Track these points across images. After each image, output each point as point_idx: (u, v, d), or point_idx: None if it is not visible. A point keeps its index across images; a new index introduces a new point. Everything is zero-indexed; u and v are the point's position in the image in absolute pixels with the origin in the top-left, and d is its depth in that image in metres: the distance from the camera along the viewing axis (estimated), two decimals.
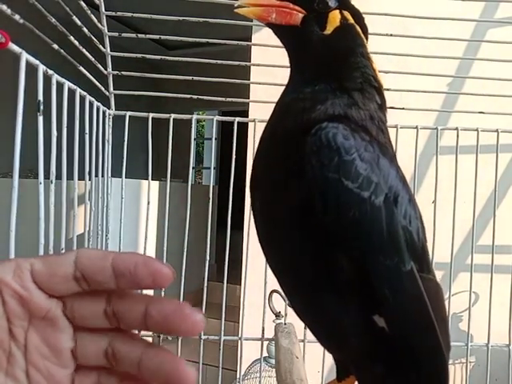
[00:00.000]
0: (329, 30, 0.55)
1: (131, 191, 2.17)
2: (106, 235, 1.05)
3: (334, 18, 0.55)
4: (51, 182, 0.64)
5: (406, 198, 0.50)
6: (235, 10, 0.55)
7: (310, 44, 0.56)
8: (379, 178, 0.48)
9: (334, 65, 0.55)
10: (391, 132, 1.12)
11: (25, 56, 0.57)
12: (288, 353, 0.71)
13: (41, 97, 0.60)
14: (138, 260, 0.27)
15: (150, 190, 1.09)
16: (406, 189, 0.51)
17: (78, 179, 0.81)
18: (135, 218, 2.45)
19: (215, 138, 1.27)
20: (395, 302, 0.47)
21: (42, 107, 0.58)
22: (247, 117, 1.31)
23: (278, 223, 0.52)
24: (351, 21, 0.56)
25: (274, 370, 1.21)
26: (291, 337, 0.78)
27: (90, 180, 0.92)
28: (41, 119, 0.59)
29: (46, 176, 0.62)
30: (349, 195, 0.46)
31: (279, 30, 0.57)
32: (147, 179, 1.10)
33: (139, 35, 0.99)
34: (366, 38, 0.59)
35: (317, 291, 0.51)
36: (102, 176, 1.02)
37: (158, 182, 2.34)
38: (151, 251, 1.19)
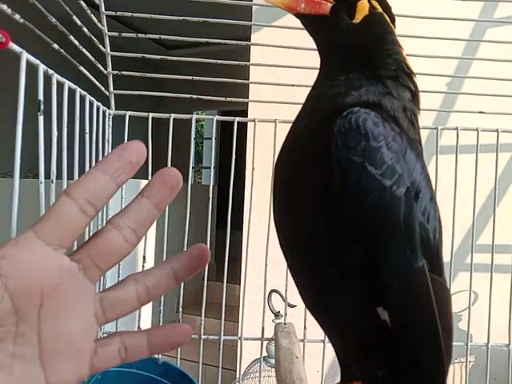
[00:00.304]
0: (358, 19, 0.55)
1: (131, 191, 2.17)
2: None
3: (363, 7, 0.55)
4: (52, 182, 0.64)
5: (428, 195, 0.50)
6: (265, 1, 0.55)
7: (340, 33, 0.56)
8: (403, 169, 0.47)
9: (365, 53, 0.55)
10: None
11: (25, 56, 0.56)
12: (288, 352, 0.71)
13: (41, 96, 0.59)
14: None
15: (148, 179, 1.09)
16: (429, 187, 0.51)
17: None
18: None
19: (215, 138, 1.27)
20: (401, 294, 0.47)
21: (42, 107, 0.58)
22: (247, 117, 1.32)
23: (298, 206, 0.52)
24: (379, 9, 0.56)
25: (273, 369, 1.21)
26: (291, 336, 0.78)
27: None
28: (41, 119, 0.59)
29: (47, 176, 0.62)
30: (370, 180, 0.46)
31: (308, 20, 0.57)
32: (147, 179, 1.10)
33: (139, 35, 0.99)
34: (394, 25, 0.59)
35: (326, 277, 0.50)
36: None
37: None
38: (151, 251, 1.18)
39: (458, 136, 1.12)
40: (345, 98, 0.51)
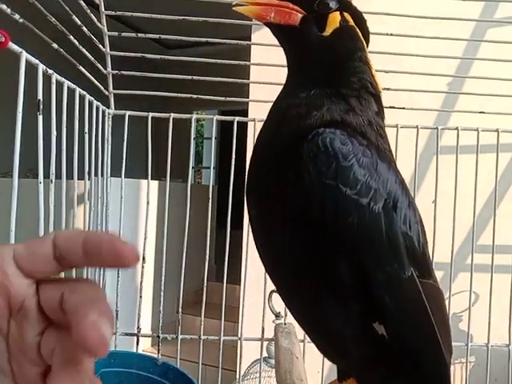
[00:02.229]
0: (328, 32, 0.54)
1: (130, 191, 2.17)
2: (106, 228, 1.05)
3: (334, 20, 0.54)
4: (51, 182, 0.64)
5: (406, 202, 0.49)
6: (233, 8, 0.54)
7: (307, 45, 0.55)
8: (378, 183, 0.47)
9: (331, 68, 0.54)
10: (391, 131, 1.12)
11: (25, 55, 0.56)
12: (288, 353, 0.71)
13: (40, 96, 0.59)
14: (104, 237, 0.27)
15: (149, 190, 1.09)
16: (406, 193, 0.50)
17: (78, 179, 0.81)
18: (135, 218, 2.44)
19: (215, 138, 1.27)
20: (395, 308, 0.47)
21: (41, 106, 0.58)
22: (247, 116, 1.31)
23: (276, 231, 0.51)
24: (351, 23, 0.55)
25: (273, 370, 1.21)
26: (291, 337, 0.78)
27: (89, 180, 0.92)
28: (40, 118, 0.59)
29: (46, 175, 0.62)
30: (347, 202, 0.46)
31: (278, 29, 0.56)
32: (147, 179, 1.10)
33: (139, 34, 0.99)
34: (367, 41, 0.58)
35: (316, 299, 0.50)
36: (102, 176, 1.01)
37: (157, 182, 2.33)
38: (151, 251, 1.18)
39: (458, 136, 1.12)
40: (307, 120, 0.50)
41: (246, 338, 1.12)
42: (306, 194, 0.47)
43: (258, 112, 1.39)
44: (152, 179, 1.11)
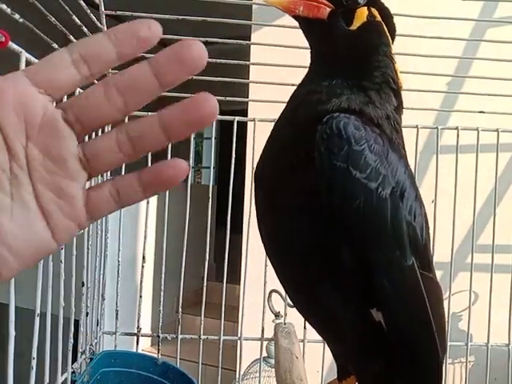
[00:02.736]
0: (355, 26, 0.55)
1: None
2: (106, 234, 1.05)
3: (362, 14, 0.55)
4: None
5: (413, 194, 0.50)
6: (263, 1, 0.55)
7: (334, 38, 0.55)
8: (387, 170, 0.48)
9: (355, 61, 0.55)
10: None
11: (24, 55, 0.56)
12: (288, 353, 0.71)
13: None
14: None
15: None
16: (414, 186, 0.51)
17: None
18: (135, 216, 2.44)
19: (214, 138, 1.27)
20: (393, 295, 0.47)
21: None
22: (246, 116, 1.31)
23: (282, 211, 0.52)
24: (378, 18, 0.56)
25: (273, 370, 1.21)
26: (291, 337, 0.78)
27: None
28: None
29: None
30: (356, 185, 0.46)
31: (305, 22, 0.57)
32: None
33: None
34: (393, 37, 0.59)
35: (317, 281, 0.51)
36: (101, 176, 1.01)
37: None
38: (151, 250, 1.19)
39: (458, 136, 1.12)
40: (325, 106, 0.51)
41: (246, 337, 1.12)
42: (315, 174, 0.47)
43: (258, 112, 1.39)
44: None
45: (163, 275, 1.06)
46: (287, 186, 0.51)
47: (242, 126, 1.28)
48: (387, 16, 0.58)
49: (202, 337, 1.10)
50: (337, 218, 0.47)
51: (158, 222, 2.32)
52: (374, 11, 0.56)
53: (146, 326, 2.59)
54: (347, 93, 0.52)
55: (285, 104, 0.57)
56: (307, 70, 0.59)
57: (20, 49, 0.55)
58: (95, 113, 0.27)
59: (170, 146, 1.08)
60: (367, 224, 0.47)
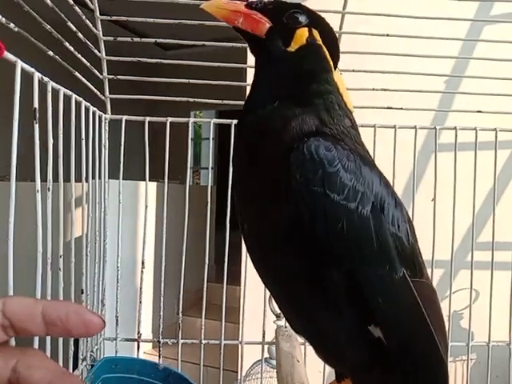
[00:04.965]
0: (293, 48, 0.52)
1: (129, 193, 2.17)
2: (104, 240, 1.05)
3: (301, 36, 0.52)
4: (48, 190, 0.64)
5: (392, 203, 0.49)
6: (201, 7, 0.53)
7: (271, 58, 0.53)
8: (364, 186, 0.47)
9: (296, 84, 0.52)
10: (390, 132, 1.12)
11: (20, 64, 0.56)
12: (289, 356, 0.71)
13: (36, 104, 0.59)
14: (70, 309, 0.27)
15: (147, 195, 1.09)
16: (392, 194, 0.50)
17: (75, 182, 0.81)
18: (133, 220, 2.44)
19: (213, 138, 1.26)
20: (389, 310, 0.47)
21: (37, 115, 0.58)
22: None
23: (269, 242, 0.51)
24: (319, 41, 0.53)
25: (275, 370, 1.21)
26: (292, 340, 0.78)
27: (87, 182, 0.92)
28: (37, 127, 0.59)
29: (43, 180, 0.62)
30: (336, 208, 0.46)
31: (245, 36, 0.54)
32: (144, 180, 1.10)
33: (134, 39, 0.98)
34: (337, 60, 0.56)
35: (311, 305, 0.50)
36: (100, 179, 1.01)
37: (155, 184, 2.32)
38: (150, 252, 1.18)
39: (456, 136, 1.12)
40: (288, 133, 0.49)
41: (247, 341, 1.12)
42: (295, 202, 0.46)
43: None
44: (150, 180, 1.10)
45: (163, 278, 1.06)
46: (269, 218, 0.50)
47: None
48: (330, 38, 0.55)
49: (203, 341, 1.09)
50: (322, 242, 0.46)
51: (156, 224, 2.32)
52: (315, 33, 0.53)
53: (146, 328, 2.59)
54: (301, 116, 0.50)
55: None
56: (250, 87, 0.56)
57: (15, 58, 0.55)
58: None
59: (167, 147, 1.08)
60: (353, 244, 0.46)
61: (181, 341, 1.07)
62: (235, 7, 0.52)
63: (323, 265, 0.47)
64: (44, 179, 0.63)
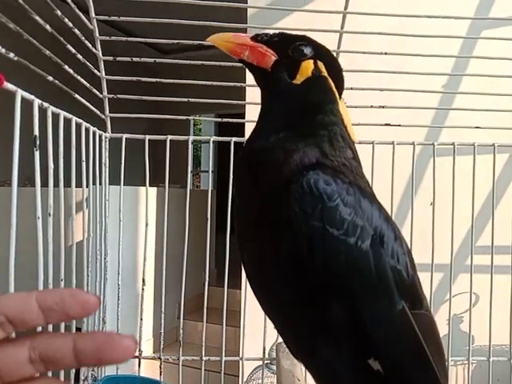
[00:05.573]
0: (298, 80, 0.52)
1: (129, 198, 2.16)
2: (105, 258, 1.05)
3: (307, 68, 0.53)
4: (49, 215, 0.64)
5: (392, 236, 0.49)
6: (208, 39, 0.53)
7: (277, 91, 0.53)
8: (363, 220, 0.47)
9: (301, 117, 0.52)
10: (388, 148, 1.12)
11: (20, 93, 0.56)
12: (289, 375, 0.70)
13: (37, 132, 0.59)
14: (64, 292, 0.27)
15: (147, 197, 1.09)
16: (391, 227, 0.50)
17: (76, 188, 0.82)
18: (134, 225, 2.43)
19: (213, 141, 1.27)
20: (389, 343, 0.47)
21: (38, 142, 0.58)
22: (244, 118, 1.32)
23: (268, 270, 0.51)
24: (324, 73, 0.54)
25: (275, 376, 1.21)
26: (292, 357, 0.78)
27: (87, 187, 0.93)
28: (37, 154, 0.60)
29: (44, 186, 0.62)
30: (335, 243, 0.45)
31: (251, 68, 0.55)
32: (144, 185, 1.10)
33: (134, 59, 0.98)
34: (341, 91, 0.57)
35: (310, 336, 0.50)
36: (100, 185, 1.02)
37: (155, 189, 2.32)
38: (150, 255, 1.18)
39: (454, 152, 1.12)
40: (289, 166, 0.49)
41: (248, 357, 1.12)
42: (294, 236, 0.46)
43: (255, 114, 1.38)
44: (150, 185, 1.11)
45: (163, 290, 1.06)
46: (269, 251, 0.50)
47: (241, 127, 1.28)
48: (335, 70, 0.55)
49: (204, 358, 1.09)
50: (321, 276, 0.46)
51: (157, 228, 2.31)
52: (321, 65, 0.53)
53: (147, 329, 2.59)
54: (303, 148, 0.50)
55: None
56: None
57: (15, 88, 0.55)
58: (16, 367, 0.26)
59: (168, 151, 1.08)
60: (352, 279, 0.46)
61: (182, 357, 1.07)
62: (241, 40, 0.53)
63: (322, 297, 0.47)
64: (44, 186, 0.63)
